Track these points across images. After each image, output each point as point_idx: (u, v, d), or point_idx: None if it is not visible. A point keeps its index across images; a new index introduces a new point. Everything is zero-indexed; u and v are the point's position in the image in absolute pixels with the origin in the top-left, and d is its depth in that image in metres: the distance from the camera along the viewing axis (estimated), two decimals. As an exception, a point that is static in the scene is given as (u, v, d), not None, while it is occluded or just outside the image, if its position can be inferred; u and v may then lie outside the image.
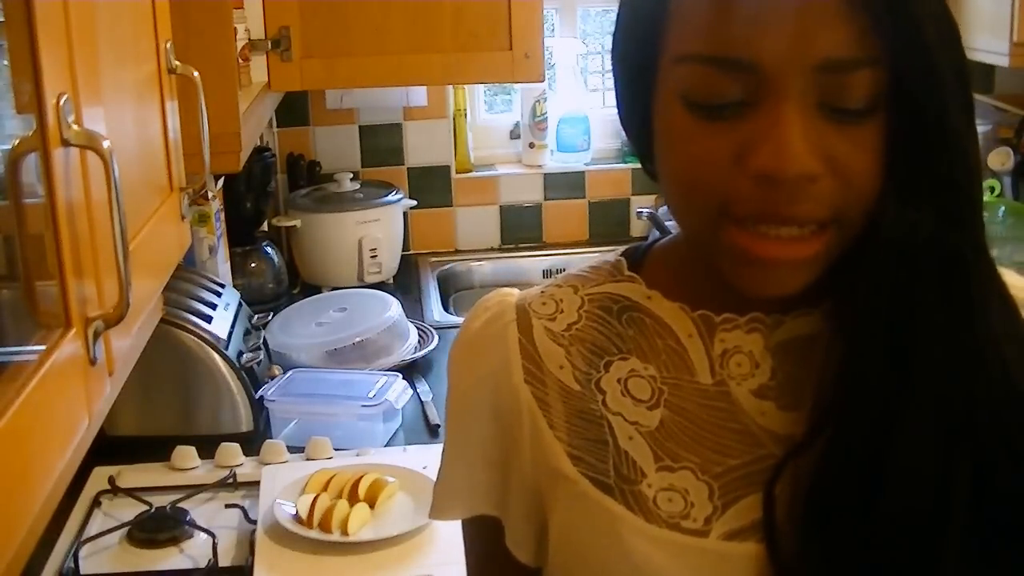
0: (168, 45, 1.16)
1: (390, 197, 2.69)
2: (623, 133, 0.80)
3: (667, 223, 2.61)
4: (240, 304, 2.11)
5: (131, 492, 1.69)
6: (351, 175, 2.72)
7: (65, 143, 0.73)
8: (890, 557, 0.70)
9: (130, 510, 1.64)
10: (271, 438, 1.83)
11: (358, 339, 2.14)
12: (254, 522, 1.59)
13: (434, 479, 0.90)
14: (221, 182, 2.24)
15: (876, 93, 0.67)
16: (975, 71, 2.53)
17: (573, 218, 2.95)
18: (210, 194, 2.05)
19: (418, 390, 2.06)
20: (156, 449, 1.79)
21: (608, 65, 0.82)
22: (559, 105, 2.91)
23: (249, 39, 1.88)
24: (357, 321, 2.21)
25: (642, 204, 2.94)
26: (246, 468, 1.76)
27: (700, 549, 0.75)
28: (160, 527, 1.59)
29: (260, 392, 1.91)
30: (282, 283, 2.57)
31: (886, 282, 0.71)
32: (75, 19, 0.79)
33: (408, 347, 2.20)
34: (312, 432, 1.82)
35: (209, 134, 1.26)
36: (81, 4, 0.82)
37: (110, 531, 1.59)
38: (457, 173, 2.90)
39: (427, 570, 1.47)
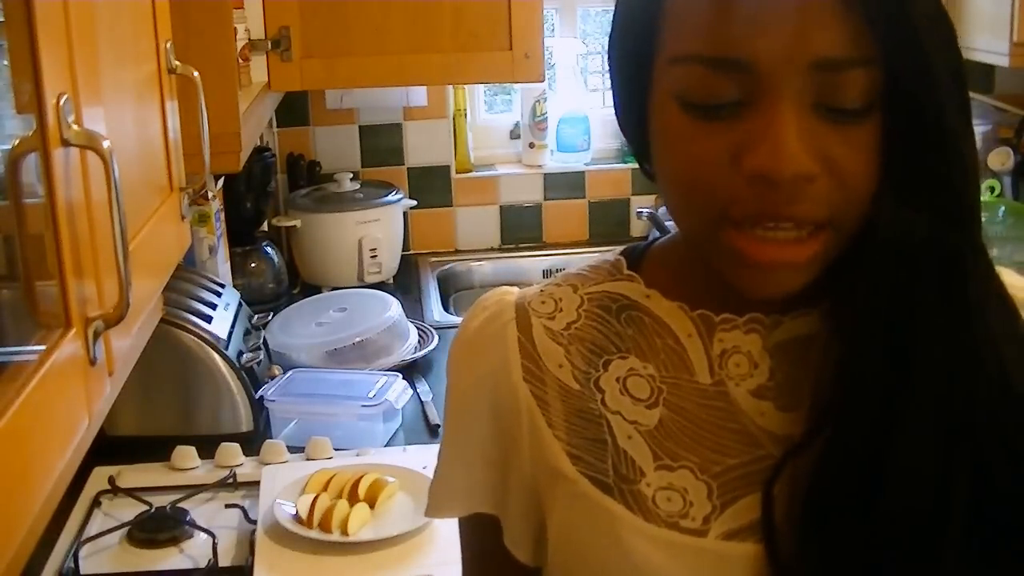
0: (168, 45, 1.16)
1: (390, 197, 2.69)
2: (622, 133, 0.81)
3: (667, 223, 2.61)
4: (240, 304, 2.11)
5: (131, 492, 1.69)
6: (351, 175, 2.72)
7: (65, 143, 0.73)
8: (889, 557, 0.70)
9: (130, 510, 1.64)
10: (271, 438, 1.83)
11: (358, 339, 2.14)
12: (254, 522, 1.59)
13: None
14: (221, 182, 2.24)
15: (872, 93, 0.68)
16: (975, 71, 2.55)
17: (573, 218, 2.95)
18: (210, 194, 2.06)
19: (418, 390, 2.06)
20: (156, 449, 1.79)
21: (607, 65, 0.82)
22: (559, 105, 2.91)
23: (249, 39, 1.88)
24: (357, 321, 2.21)
25: (642, 204, 2.94)
26: (246, 468, 1.76)
27: (699, 549, 0.75)
28: (160, 527, 1.59)
29: (260, 392, 1.91)
30: (282, 283, 2.57)
31: (884, 283, 0.71)
32: (75, 19, 0.79)
33: (408, 347, 2.20)
34: (312, 432, 1.82)
35: (209, 134, 1.26)
36: (81, 4, 0.82)
37: (110, 531, 1.59)
38: (457, 173, 2.90)
39: (427, 570, 1.47)
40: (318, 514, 1.53)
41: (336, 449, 1.79)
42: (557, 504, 0.80)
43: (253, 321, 2.12)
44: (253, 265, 2.50)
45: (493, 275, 2.83)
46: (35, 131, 0.71)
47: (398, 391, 1.91)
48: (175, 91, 1.20)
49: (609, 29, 0.79)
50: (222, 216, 2.27)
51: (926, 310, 0.71)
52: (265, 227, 2.61)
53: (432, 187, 2.88)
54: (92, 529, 1.60)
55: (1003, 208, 2.58)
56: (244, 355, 1.93)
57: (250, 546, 1.55)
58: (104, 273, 0.81)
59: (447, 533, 1.52)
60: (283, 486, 1.64)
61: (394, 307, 2.25)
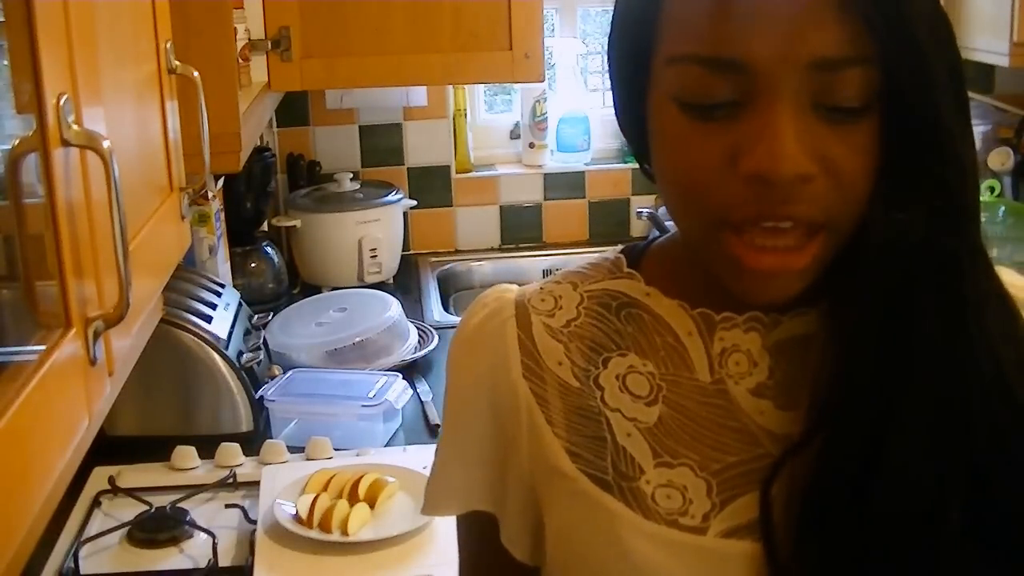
0: (168, 45, 1.16)
1: (390, 197, 2.69)
2: (622, 133, 0.81)
3: (667, 223, 2.61)
4: (240, 304, 2.11)
5: (131, 492, 1.69)
6: (351, 175, 2.72)
7: (65, 143, 0.73)
8: (886, 558, 0.71)
9: (130, 510, 1.64)
10: (271, 438, 1.83)
11: (358, 339, 2.14)
12: (254, 522, 1.59)
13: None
14: (221, 182, 2.24)
15: (869, 92, 0.68)
16: (975, 71, 2.55)
17: (573, 218, 2.95)
18: (210, 194, 2.06)
19: (418, 390, 2.06)
20: (156, 449, 1.79)
21: (607, 65, 0.82)
22: (559, 105, 2.91)
23: (249, 39, 1.88)
24: (357, 321, 2.21)
25: (642, 204, 2.94)
26: (246, 468, 1.76)
27: (698, 547, 0.75)
28: (160, 527, 1.59)
29: (260, 392, 1.91)
30: (282, 283, 2.57)
31: (879, 284, 0.71)
32: (75, 19, 0.79)
33: (408, 347, 2.20)
34: (312, 432, 1.82)
35: (209, 134, 1.26)
36: (81, 4, 0.82)
37: (110, 531, 1.59)
38: (457, 173, 2.90)
39: (427, 570, 1.47)
40: (318, 514, 1.54)
41: (336, 449, 1.79)
42: (556, 502, 0.80)
43: (253, 321, 2.12)
44: (253, 265, 2.50)
45: (493, 275, 2.83)
46: (35, 131, 0.71)
47: (398, 391, 1.91)
48: (175, 91, 1.20)
49: (609, 29, 0.79)
50: (222, 216, 2.27)
51: (922, 311, 0.71)
52: (265, 227, 2.61)
53: (432, 187, 2.88)
54: (92, 529, 1.60)
55: (1003, 208, 2.58)
56: (244, 355, 1.93)
57: (250, 546, 1.55)
58: (104, 273, 0.81)
59: (447, 533, 1.51)
60: (283, 486, 1.64)
61: (394, 307, 2.25)
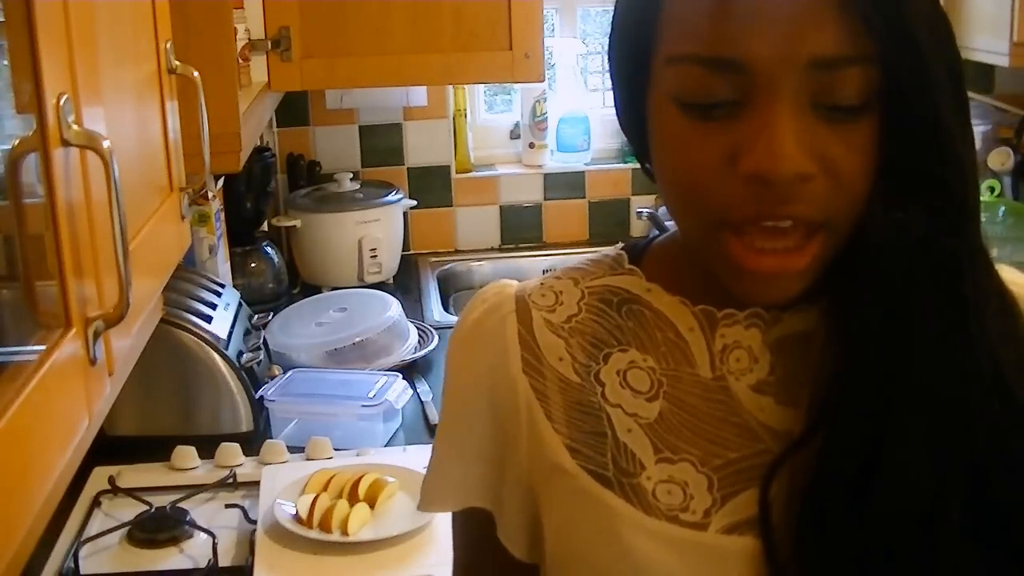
0: (168, 45, 1.16)
1: (390, 197, 2.69)
2: (623, 133, 0.81)
3: (667, 223, 2.61)
4: (240, 304, 2.11)
5: (131, 492, 1.69)
6: (351, 175, 2.72)
7: (65, 143, 0.73)
8: (885, 557, 0.71)
9: (130, 510, 1.64)
10: (271, 438, 1.83)
11: (358, 339, 2.14)
12: (254, 522, 1.59)
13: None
14: (221, 182, 2.24)
15: (868, 91, 0.68)
16: (975, 71, 2.55)
17: (573, 218, 2.95)
18: (210, 194, 2.06)
19: (418, 390, 2.06)
20: (156, 449, 1.79)
21: (607, 65, 0.82)
22: (559, 105, 2.91)
23: (249, 39, 1.88)
24: (357, 321, 2.21)
25: (642, 204, 2.94)
26: (246, 468, 1.76)
27: (699, 543, 0.75)
28: (160, 527, 1.59)
29: (260, 392, 1.91)
30: (282, 283, 2.57)
31: (879, 284, 0.71)
32: (75, 19, 0.79)
33: (408, 347, 2.20)
34: (312, 432, 1.82)
35: (209, 134, 1.26)
36: (81, 4, 0.82)
37: (110, 531, 1.59)
38: (457, 173, 2.90)
39: (427, 570, 1.47)
40: (318, 514, 1.53)
41: (336, 449, 1.79)
42: (555, 499, 0.80)
43: (253, 321, 2.12)
44: (253, 265, 2.50)
45: (493, 275, 2.82)
46: (35, 131, 0.71)
47: (398, 391, 1.91)
48: (175, 91, 1.20)
49: (609, 29, 0.79)
50: (222, 216, 2.27)
51: (922, 311, 0.71)
52: (265, 227, 2.61)
53: (432, 187, 2.88)
54: (92, 529, 1.60)
55: (1003, 208, 2.58)
56: (244, 355, 1.93)
57: (250, 546, 1.55)
58: (104, 273, 0.81)
59: (447, 533, 1.51)
60: (283, 486, 1.63)
61: (394, 307, 2.25)
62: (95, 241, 0.80)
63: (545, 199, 2.94)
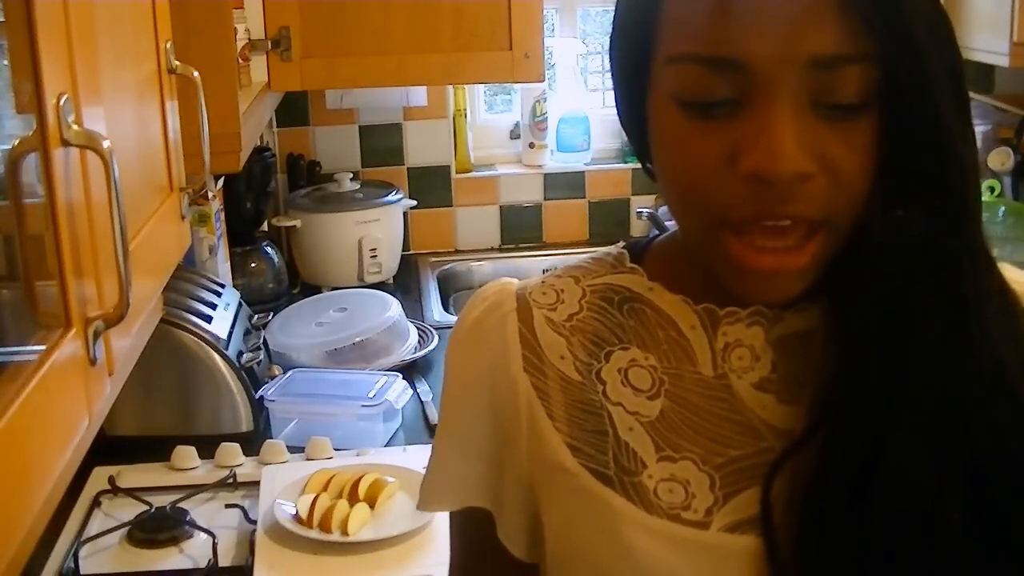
0: (168, 45, 1.16)
1: (390, 197, 2.69)
2: (623, 133, 0.81)
3: (667, 223, 2.61)
4: (240, 304, 2.11)
5: (131, 492, 1.69)
6: (351, 175, 2.72)
7: (65, 143, 0.73)
8: (886, 557, 0.71)
9: (130, 510, 1.64)
10: (271, 438, 1.83)
11: (358, 339, 2.14)
12: (254, 522, 1.59)
13: None
14: (221, 182, 2.24)
15: (868, 90, 0.68)
16: (975, 71, 2.55)
17: (573, 218, 2.95)
18: (210, 194, 2.06)
19: (418, 390, 2.06)
20: (156, 449, 1.79)
21: (608, 65, 0.82)
22: (559, 105, 2.91)
23: (249, 39, 1.88)
24: (357, 321, 2.21)
25: (642, 204, 2.94)
26: (246, 468, 1.76)
27: (700, 542, 0.75)
28: (160, 527, 1.59)
29: (260, 392, 1.91)
30: (282, 283, 2.57)
31: (878, 283, 0.71)
32: (75, 19, 0.79)
33: (408, 347, 2.20)
34: (312, 432, 1.82)
35: (209, 134, 1.26)
36: (81, 4, 0.82)
37: (110, 531, 1.59)
38: (457, 173, 2.90)
39: (427, 570, 1.47)
40: (318, 514, 1.53)
41: (336, 449, 1.79)
42: (556, 498, 0.80)
43: (253, 321, 2.12)
44: (253, 265, 2.50)
45: (493, 275, 2.81)
46: (35, 131, 0.71)
47: (398, 391, 1.91)
48: (175, 91, 1.20)
49: (610, 29, 0.79)
50: (222, 216, 2.27)
51: (922, 310, 0.71)
52: (265, 227, 2.61)
53: (432, 187, 2.88)
54: (92, 529, 1.60)
55: (1003, 208, 2.58)
56: (244, 355, 1.93)
57: (250, 546, 1.55)
58: (104, 273, 0.81)
59: (447, 533, 1.51)
60: (283, 486, 1.63)
61: (394, 307, 2.25)
62: (95, 241, 0.80)
63: (545, 199, 2.94)
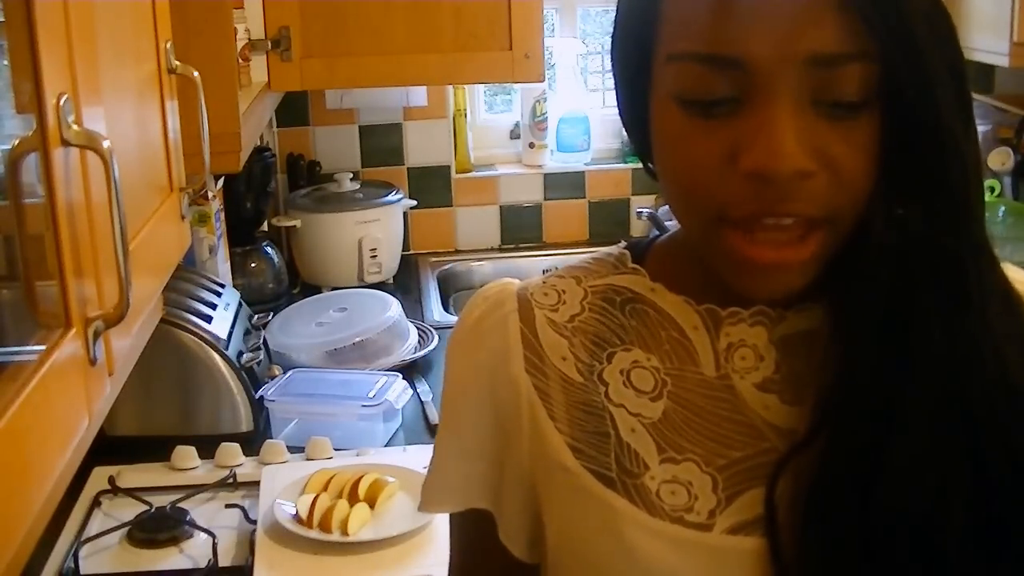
0: (168, 45, 1.16)
1: (390, 197, 2.69)
2: (623, 133, 0.81)
3: (667, 223, 2.61)
4: (240, 304, 2.11)
5: (131, 492, 1.69)
6: (351, 175, 2.72)
7: (65, 143, 0.73)
8: (889, 556, 0.70)
9: (130, 510, 1.64)
10: (271, 438, 1.83)
11: (358, 339, 2.14)
12: (254, 522, 1.59)
13: None
14: (221, 182, 2.24)
15: (869, 87, 0.68)
16: (975, 71, 2.55)
17: (573, 218, 2.95)
18: (210, 194, 2.06)
19: (418, 390, 2.06)
20: (156, 449, 1.79)
21: (608, 65, 0.82)
22: (559, 105, 2.91)
23: (249, 39, 1.88)
24: (357, 321, 2.21)
25: (642, 204, 2.94)
26: (246, 468, 1.76)
27: (703, 544, 0.75)
28: (160, 527, 1.59)
29: (260, 392, 1.91)
30: (282, 283, 2.57)
31: (879, 282, 0.71)
32: (75, 19, 0.79)
33: (408, 347, 2.20)
34: (312, 432, 1.82)
35: (209, 134, 1.26)
36: (81, 4, 0.82)
37: (110, 531, 1.59)
38: (457, 173, 2.90)
39: (427, 570, 1.47)
40: (318, 514, 1.53)
41: (336, 449, 1.79)
42: (557, 499, 0.80)
43: (253, 321, 2.12)
44: (253, 265, 2.50)
45: (493, 275, 2.82)
46: (35, 131, 0.71)
47: (398, 391, 1.91)
48: (175, 91, 1.20)
49: (610, 29, 0.79)
50: (222, 216, 2.27)
51: (924, 310, 0.71)
52: (265, 227, 2.61)
53: (432, 187, 2.88)
54: (92, 529, 1.60)
55: (1003, 208, 2.58)
56: (244, 355, 1.93)
57: (250, 546, 1.54)
58: (104, 273, 0.81)
59: (447, 533, 1.51)
60: (283, 486, 1.63)
61: (394, 307, 2.25)
62: (95, 241, 0.80)
63: (545, 199, 2.94)
